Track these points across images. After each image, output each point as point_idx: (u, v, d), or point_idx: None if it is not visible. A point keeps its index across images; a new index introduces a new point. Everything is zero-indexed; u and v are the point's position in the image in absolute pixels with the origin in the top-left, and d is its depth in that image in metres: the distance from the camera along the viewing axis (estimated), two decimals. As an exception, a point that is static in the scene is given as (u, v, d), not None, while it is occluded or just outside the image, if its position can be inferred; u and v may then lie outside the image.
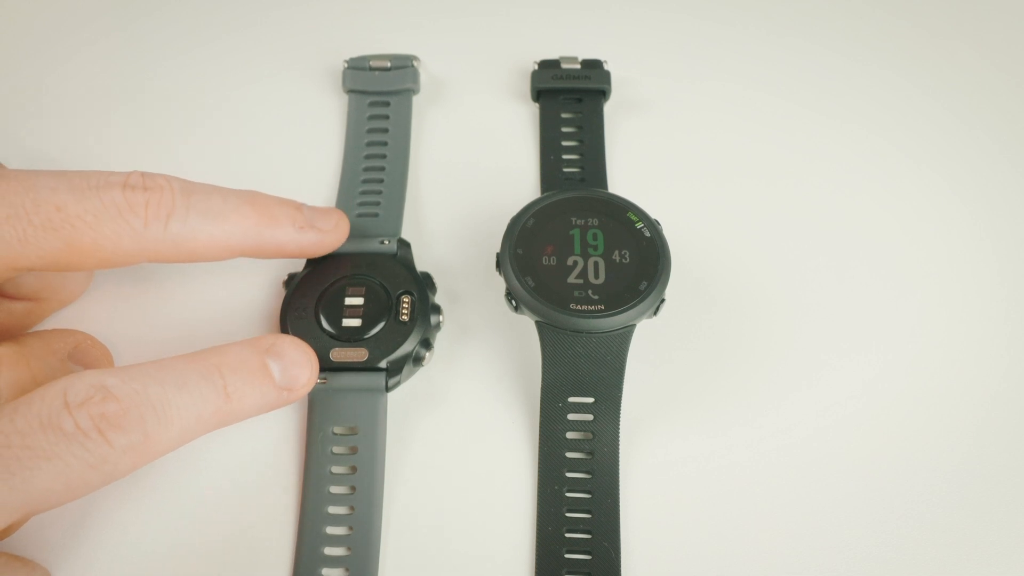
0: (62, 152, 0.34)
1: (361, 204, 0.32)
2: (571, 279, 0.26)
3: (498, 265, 0.27)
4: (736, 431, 0.28)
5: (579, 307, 0.25)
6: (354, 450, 0.26)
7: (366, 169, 0.33)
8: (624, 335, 0.26)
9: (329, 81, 0.36)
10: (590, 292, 0.26)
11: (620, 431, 0.26)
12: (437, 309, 0.28)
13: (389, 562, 0.25)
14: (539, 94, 0.35)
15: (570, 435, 0.27)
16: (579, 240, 0.27)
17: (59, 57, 0.37)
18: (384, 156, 0.33)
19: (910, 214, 0.33)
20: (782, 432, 0.28)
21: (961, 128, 0.35)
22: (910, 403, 0.28)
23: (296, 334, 0.27)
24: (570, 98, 0.35)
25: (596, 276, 0.26)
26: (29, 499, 0.20)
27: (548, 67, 0.35)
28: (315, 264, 0.29)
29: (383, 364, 0.27)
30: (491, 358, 0.29)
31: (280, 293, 0.30)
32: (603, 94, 0.35)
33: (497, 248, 0.27)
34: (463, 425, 0.28)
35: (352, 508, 0.25)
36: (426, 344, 0.27)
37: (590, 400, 0.26)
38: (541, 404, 0.27)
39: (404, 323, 0.27)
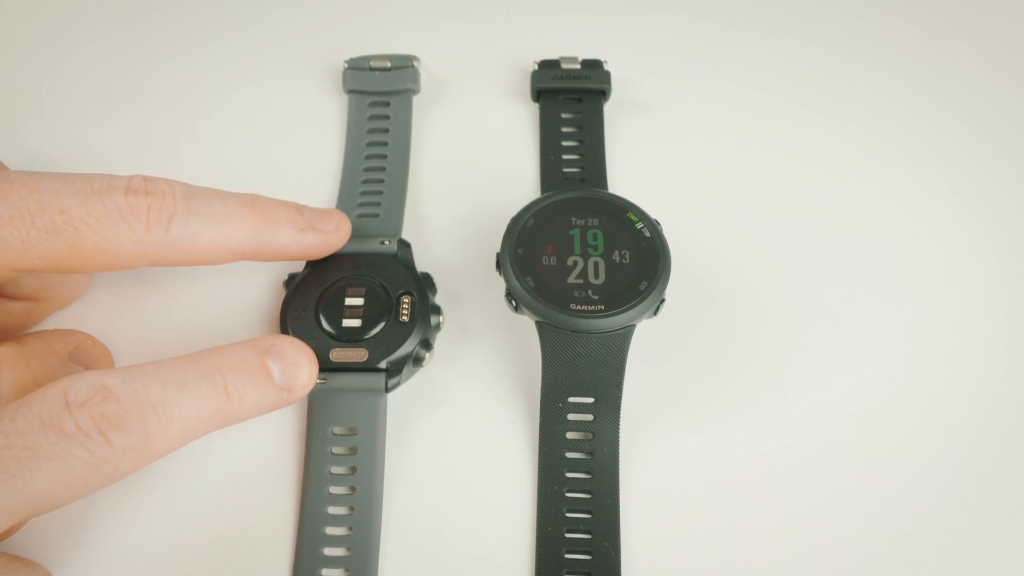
0: (62, 152, 0.34)
1: (361, 204, 0.32)
2: (571, 279, 0.26)
3: (498, 265, 0.27)
4: (736, 431, 0.28)
5: (579, 307, 0.25)
6: (354, 450, 0.26)
7: (366, 169, 0.33)
8: (624, 335, 0.26)
9: (329, 81, 0.36)
10: (590, 292, 0.26)
11: (620, 431, 0.26)
12: (437, 309, 0.28)
13: (389, 562, 0.25)
14: (539, 94, 0.35)
15: (570, 435, 0.27)
16: (579, 240, 0.27)
17: (59, 57, 0.37)
18: (384, 156, 0.33)
19: (910, 214, 0.33)
20: (782, 432, 0.28)
21: (961, 128, 0.35)
22: (910, 403, 0.28)
23: (296, 334, 0.27)
24: (570, 98, 0.35)
25: (596, 276, 0.26)
26: (30, 500, 0.20)
27: (548, 67, 0.35)
28: (315, 264, 0.29)
29: (383, 364, 0.27)
30: (491, 358, 0.29)
31: (280, 293, 0.30)
32: (603, 94, 0.35)
33: (497, 248, 0.27)
34: (463, 425, 0.28)
35: (352, 508, 0.25)
36: (426, 344, 0.27)
37: (590, 400, 0.26)
38: (541, 404, 0.27)
39: (404, 323, 0.27)
